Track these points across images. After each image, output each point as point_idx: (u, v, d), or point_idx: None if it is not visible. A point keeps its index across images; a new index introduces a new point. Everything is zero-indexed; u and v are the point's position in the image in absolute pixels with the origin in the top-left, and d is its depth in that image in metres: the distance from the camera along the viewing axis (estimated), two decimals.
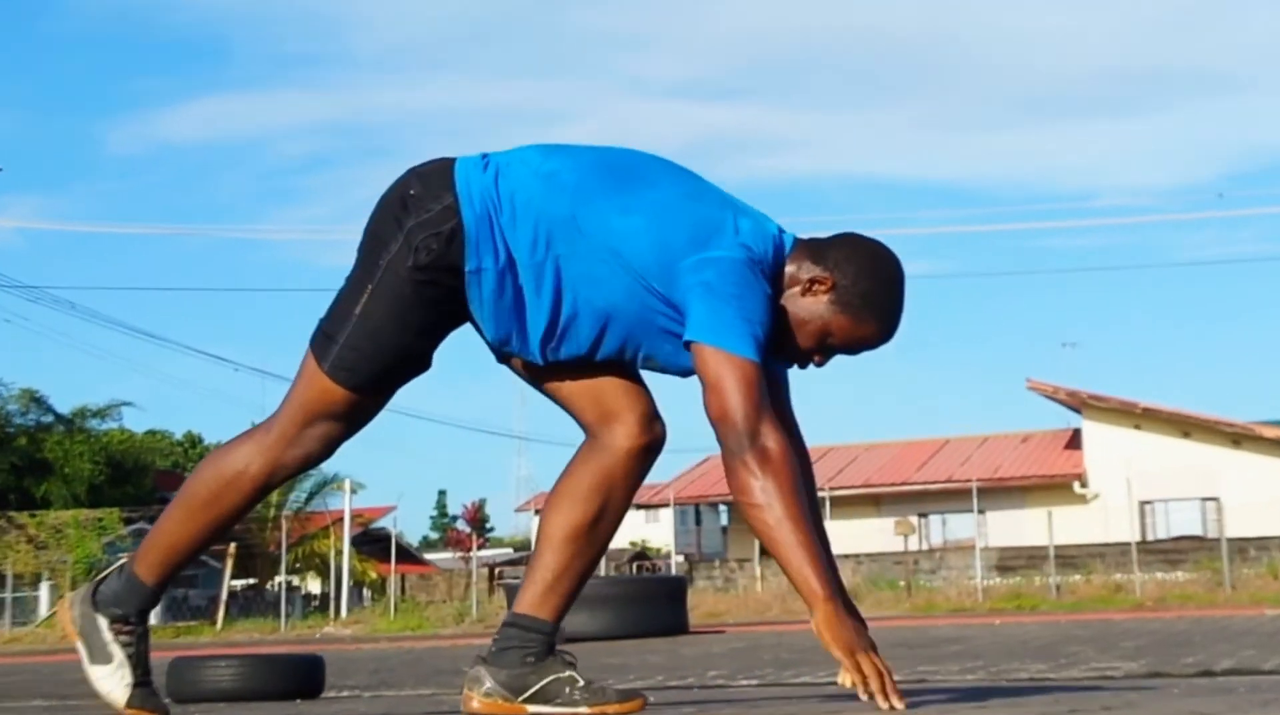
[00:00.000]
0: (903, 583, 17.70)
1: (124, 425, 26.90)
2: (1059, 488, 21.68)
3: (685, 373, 1.74)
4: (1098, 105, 60.51)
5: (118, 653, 1.82)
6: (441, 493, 50.83)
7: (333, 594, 19.71)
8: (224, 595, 19.44)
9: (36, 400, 23.01)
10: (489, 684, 1.78)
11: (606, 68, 71.92)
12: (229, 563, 19.42)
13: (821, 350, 1.76)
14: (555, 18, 63.88)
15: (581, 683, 1.77)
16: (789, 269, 1.74)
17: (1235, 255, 53.33)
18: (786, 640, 7.67)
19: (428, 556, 33.06)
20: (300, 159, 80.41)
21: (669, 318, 1.69)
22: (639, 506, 29.75)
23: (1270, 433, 20.86)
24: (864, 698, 1.54)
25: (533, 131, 50.30)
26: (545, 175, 1.71)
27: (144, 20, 66.49)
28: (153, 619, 5.61)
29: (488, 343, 1.80)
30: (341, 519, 19.79)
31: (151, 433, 33.68)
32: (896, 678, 1.57)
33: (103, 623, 1.83)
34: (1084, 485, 21.79)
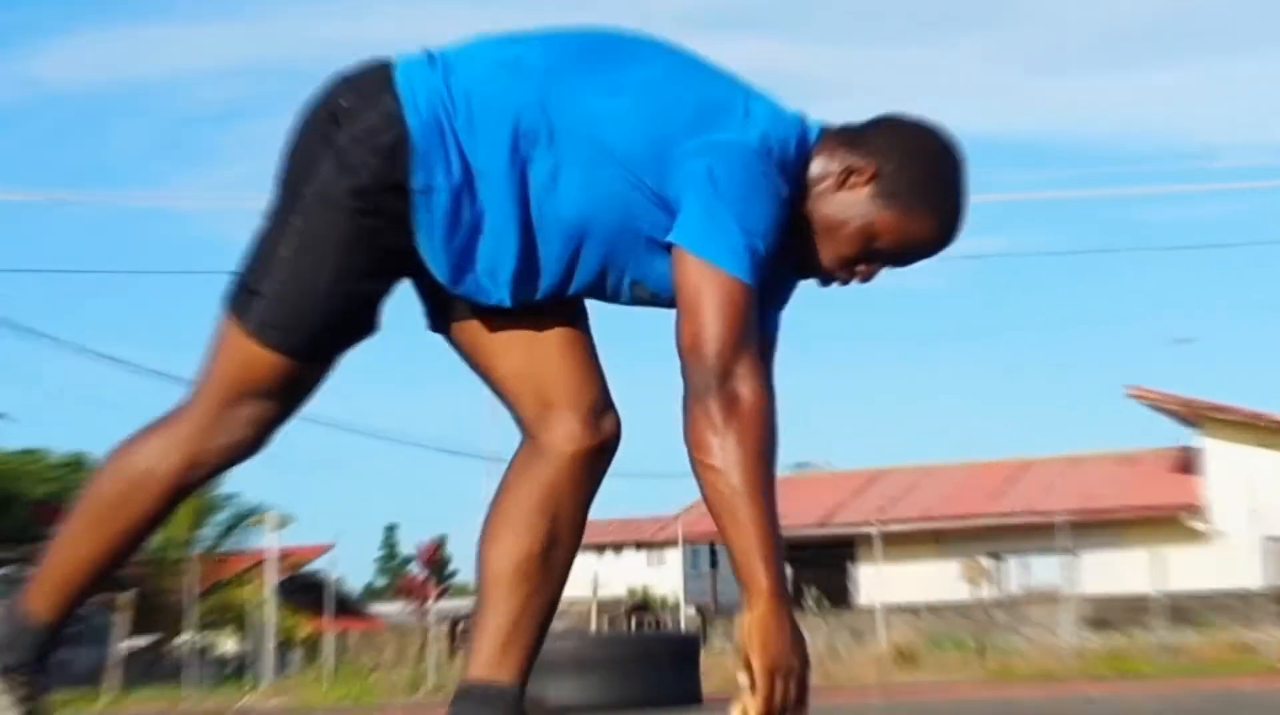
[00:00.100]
0: (972, 641, 17.78)
1: None
2: (1168, 522, 21.80)
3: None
4: (1219, 40, 60.76)
5: (11, 711, 1.83)
6: (390, 528, 51.32)
7: (253, 655, 20.07)
8: (116, 657, 19.62)
9: None
10: None
11: None
12: (123, 616, 19.58)
13: (866, 257, 1.75)
14: None
15: None
16: (816, 164, 1.74)
17: None
18: (826, 711, 7.67)
19: (374, 609, 33.90)
20: (213, 108, 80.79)
21: (660, 225, 1.69)
22: (640, 546, 29.79)
23: None
24: None
25: None
26: (508, 63, 1.72)
27: None
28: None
29: (430, 292, 1.82)
30: (263, 561, 20.03)
31: (26, 452, 33.85)
32: None
33: None
34: (1201, 518, 21.92)
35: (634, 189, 1.69)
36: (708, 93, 1.72)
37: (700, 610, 23.92)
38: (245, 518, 22.17)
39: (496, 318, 1.82)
